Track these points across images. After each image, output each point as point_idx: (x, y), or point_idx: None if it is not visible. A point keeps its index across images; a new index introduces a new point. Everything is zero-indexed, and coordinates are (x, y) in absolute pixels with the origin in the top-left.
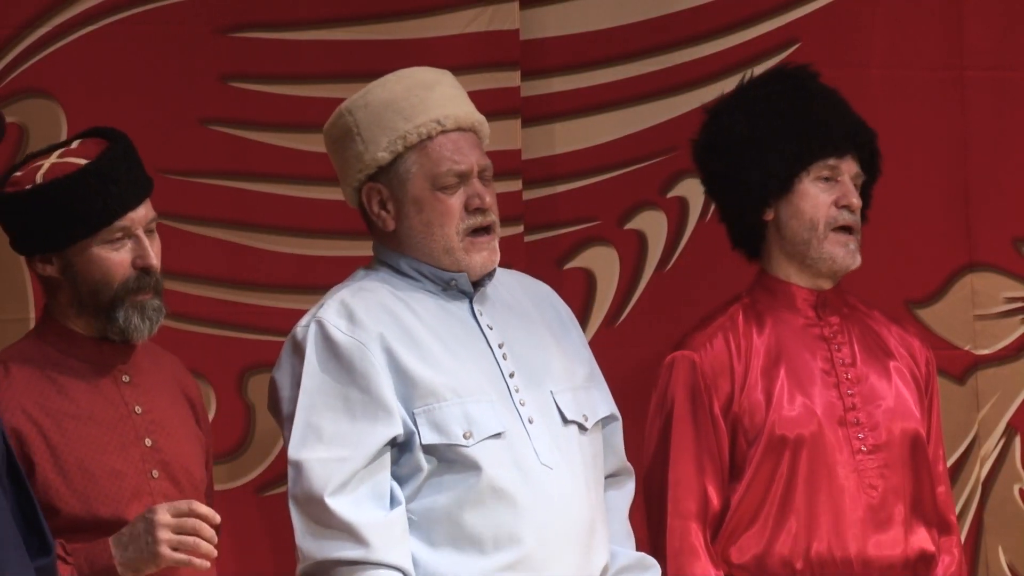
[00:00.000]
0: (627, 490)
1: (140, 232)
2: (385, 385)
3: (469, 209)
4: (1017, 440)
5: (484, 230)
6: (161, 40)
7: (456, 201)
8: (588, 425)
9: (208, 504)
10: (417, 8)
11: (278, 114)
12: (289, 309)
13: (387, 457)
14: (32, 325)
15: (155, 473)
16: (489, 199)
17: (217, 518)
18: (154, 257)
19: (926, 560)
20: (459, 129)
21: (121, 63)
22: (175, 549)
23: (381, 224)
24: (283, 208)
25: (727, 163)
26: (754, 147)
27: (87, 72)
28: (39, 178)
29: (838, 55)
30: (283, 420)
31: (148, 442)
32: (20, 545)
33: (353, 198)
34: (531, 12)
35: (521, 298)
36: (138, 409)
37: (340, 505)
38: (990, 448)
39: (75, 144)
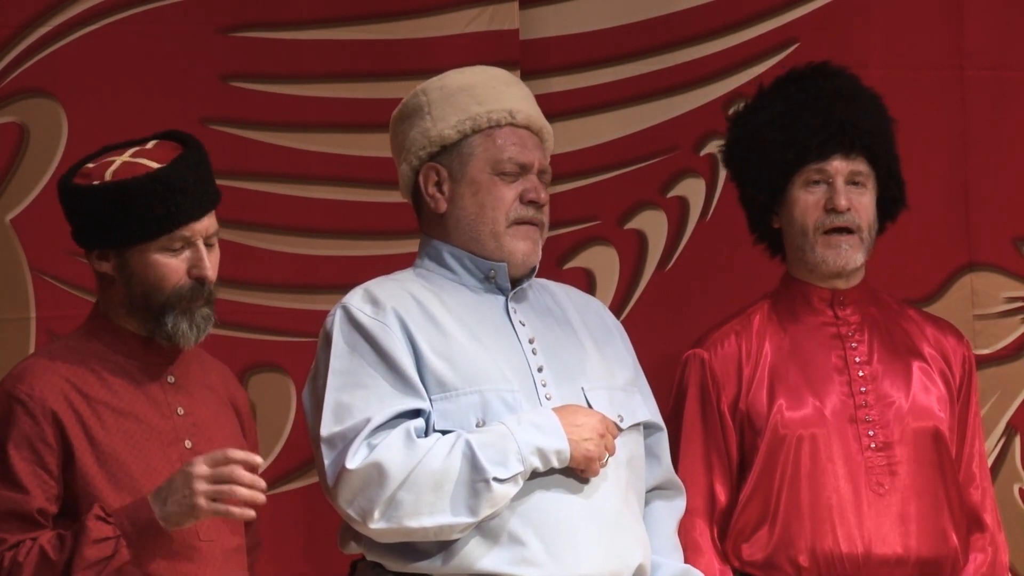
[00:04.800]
0: (676, 505)
1: (200, 243)
2: (410, 364)
3: (523, 200)
4: (1017, 440)
5: (532, 223)
6: (161, 40)
7: (512, 190)
8: (624, 425)
9: (252, 528)
10: (417, 8)
11: (278, 114)
12: (289, 309)
13: (416, 422)
14: (32, 325)
15: None
16: (545, 196)
17: (256, 459)
18: (210, 269)
19: (948, 559)
20: (528, 127)
21: (121, 63)
22: (213, 500)
23: (433, 205)
24: (283, 208)
25: (737, 175)
26: (753, 158)
27: (87, 72)
28: (108, 175)
29: (837, 55)
30: (319, 413)
31: (188, 444)
32: None
33: (408, 180)
34: (531, 12)
35: (565, 305)
36: (180, 411)
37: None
38: (990, 448)
39: (151, 144)
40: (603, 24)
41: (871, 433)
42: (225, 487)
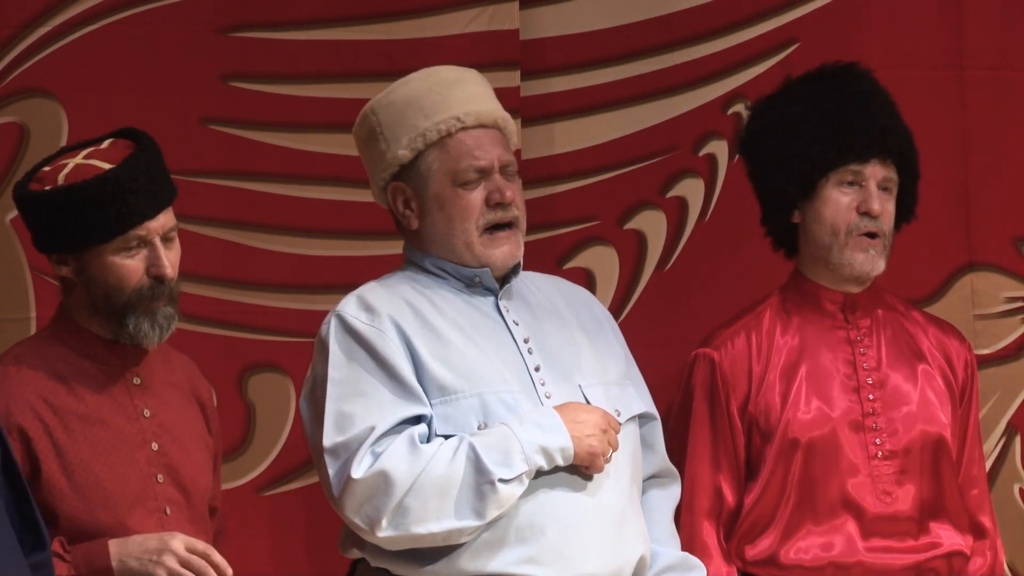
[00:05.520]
0: (671, 492)
1: (156, 241)
2: (408, 370)
3: (490, 204)
4: (1017, 440)
5: (505, 225)
6: (161, 40)
7: (477, 196)
8: (621, 420)
9: (212, 511)
10: (417, 8)
11: (278, 114)
12: (289, 309)
13: (419, 427)
14: (33, 325)
15: (160, 478)
16: (510, 194)
17: (229, 572)
18: (168, 267)
19: (950, 564)
20: (480, 126)
21: (121, 63)
22: None
23: (406, 223)
24: (283, 208)
25: (758, 165)
26: (781, 151)
27: (87, 72)
28: (61, 179)
29: (838, 55)
30: (320, 423)
31: (155, 446)
32: (15, 546)
33: (382, 199)
34: (531, 12)
35: (555, 299)
36: (147, 412)
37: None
38: (990, 448)
39: (105, 144)
40: (603, 24)
41: (878, 441)
42: (189, 575)
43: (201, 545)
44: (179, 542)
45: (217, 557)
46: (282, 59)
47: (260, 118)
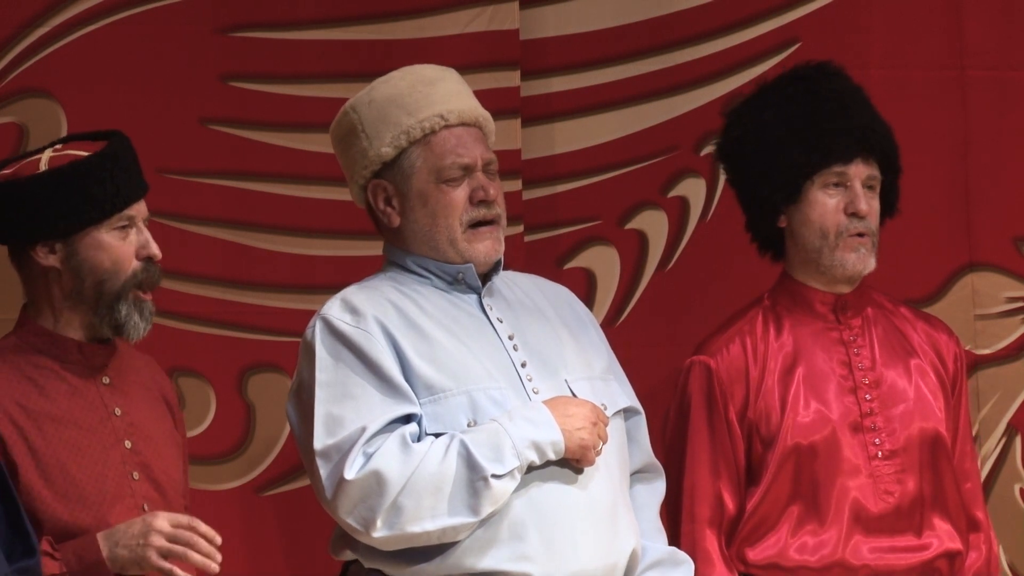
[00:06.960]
0: (656, 487)
1: (142, 225)
2: (396, 370)
3: (473, 201)
4: (1017, 440)
5: (488, 222)
6: (161, 40)
7: (460, 193)
8: (608, 414)
9: (183, 506)
10: (417, 8)
11: (278, 114)
12: (289, 309)
13: (410, 427)
14: None
15: (136, 475)
16: (493, 192)
17: (218, 539)
18: (156, 247)
19: (951, 560)
20: (463, 124)
21: (121, 63)
22: (164, 557)
23: (387, 220)
24: (283, 208)
25: (741, 172)
26: (763, 157)
27: (87, 72)
28: (43, 166)
29: (838, 55)
30: (309, 426)
31: (128, 444)
32: None
33: (360, 197)
34: (531, 12)
35: (536, 297)
36: (118, 411)
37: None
38: (990, 448)
39: (59, 145)
40: (603, 24)
41: (877, 441)
42: (179, 548)
43: (185, 518)
44: (162, 520)
45: (203, 527)
46: (282, 59)
47: (260, 118)
